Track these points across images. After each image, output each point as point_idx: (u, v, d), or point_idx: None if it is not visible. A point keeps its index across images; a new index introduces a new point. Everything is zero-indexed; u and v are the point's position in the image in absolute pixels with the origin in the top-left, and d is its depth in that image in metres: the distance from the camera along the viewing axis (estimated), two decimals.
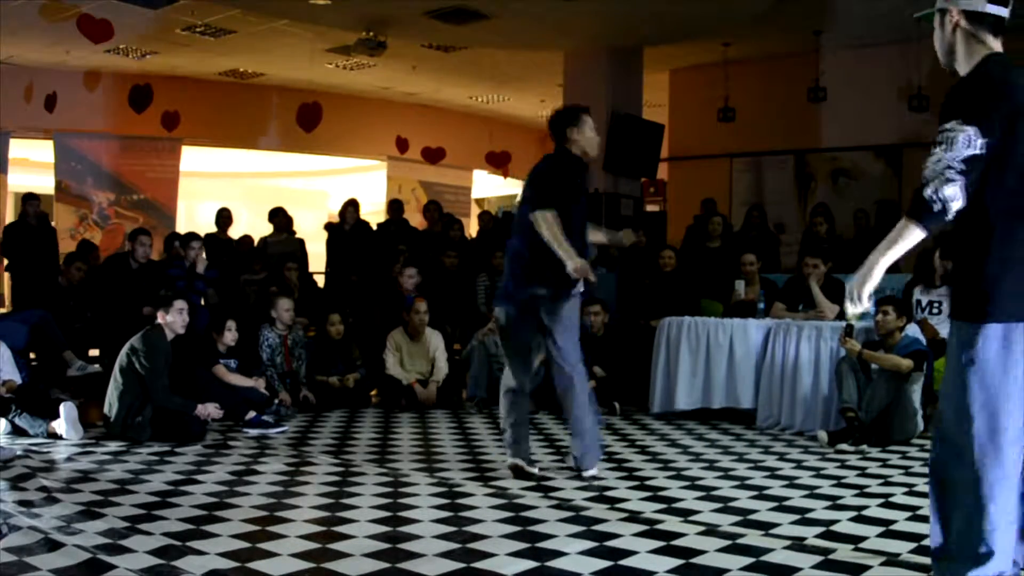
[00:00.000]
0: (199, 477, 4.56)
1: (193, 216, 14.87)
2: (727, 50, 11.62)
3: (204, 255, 8.08)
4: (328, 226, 10.56)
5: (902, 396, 5.68)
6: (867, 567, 3.20)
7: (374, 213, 13.49)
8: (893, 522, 3.82)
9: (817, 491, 4.40)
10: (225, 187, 16.05)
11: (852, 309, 2.78)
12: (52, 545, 3.31)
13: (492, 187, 18.78)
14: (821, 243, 8.42)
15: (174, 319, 5.79)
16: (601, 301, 7.44)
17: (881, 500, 4.22)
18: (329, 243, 9.94)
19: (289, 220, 9.76)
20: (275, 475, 4.62)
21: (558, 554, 3.29)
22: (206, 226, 10.68)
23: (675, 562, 3.21)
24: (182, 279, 7.65)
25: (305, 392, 6.96)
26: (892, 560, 3.28)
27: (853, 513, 3.97)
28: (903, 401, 5.68)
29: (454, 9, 9.47)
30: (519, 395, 4.75)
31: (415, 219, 10.62)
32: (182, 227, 12.11)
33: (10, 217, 11.66)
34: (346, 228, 9.84)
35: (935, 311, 6.68)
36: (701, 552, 3.33)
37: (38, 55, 11.94)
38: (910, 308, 6.61)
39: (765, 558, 3.28)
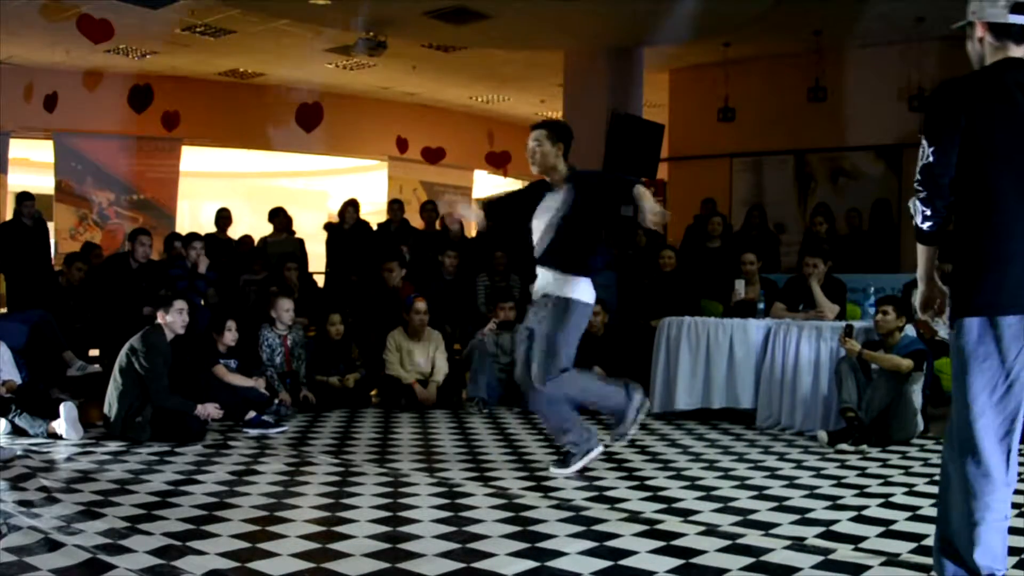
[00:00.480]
0: (199, 477, 4.56)
1: (194, 216, 14.88)
2: (727, 50, 11.63)
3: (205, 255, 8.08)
4: (328, 226, 10.56)
5: (902, 396, 5.68)
6: (867, 567, 3.20)
7: (374, 213, 13.50)
8: (893, 522, 3.82)
9: (817, 491, 4.40)
10: (225, 187, 16.05)
11: (922, 316, 2.90)
12: (52, 545, 3.31)
13: (492, 187, 18.78)
14: (821, 243, 8.42)
15: (174, 319, 5.79)
16: (601, 301, 7.43)
17: (881, 500, 4.22)
18: (329, 243, 9.95)
19: (289, 220, 9.76)
20: (275, 475, 4.62)
21: (558, 554, 3.29)
22: (206, 226, 10.68)
23: (675, 562, 3.21)
24: (183, 279, 7.65)
25: (305, 392, 6.96)
26: (892, 560, 3.28)
27: (853, 513, 3.97)
28: (903, 401, 5.68)
29: (454, 9, 9.48)
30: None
31: (416, 219, 10.61)
32: (182, 227, 12.12)
33: (10, 217, 11.66)
34: (346, 228, 9.84)
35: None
36: (701, 552, 3.33)
37: (38, 55, 11.95)
38: (910, 308, 6.61)
39: (765, 558, 3.28)
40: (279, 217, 9.71)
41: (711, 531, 3.63)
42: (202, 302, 7.74)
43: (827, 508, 4.06)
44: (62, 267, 8.43)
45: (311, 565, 3.13)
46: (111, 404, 5.63)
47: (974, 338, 2.64)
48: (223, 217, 9.85)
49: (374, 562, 3.17)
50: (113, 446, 5.37)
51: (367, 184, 16.38)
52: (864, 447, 5.50)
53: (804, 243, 9.06)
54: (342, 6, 9.45)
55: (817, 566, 3.21)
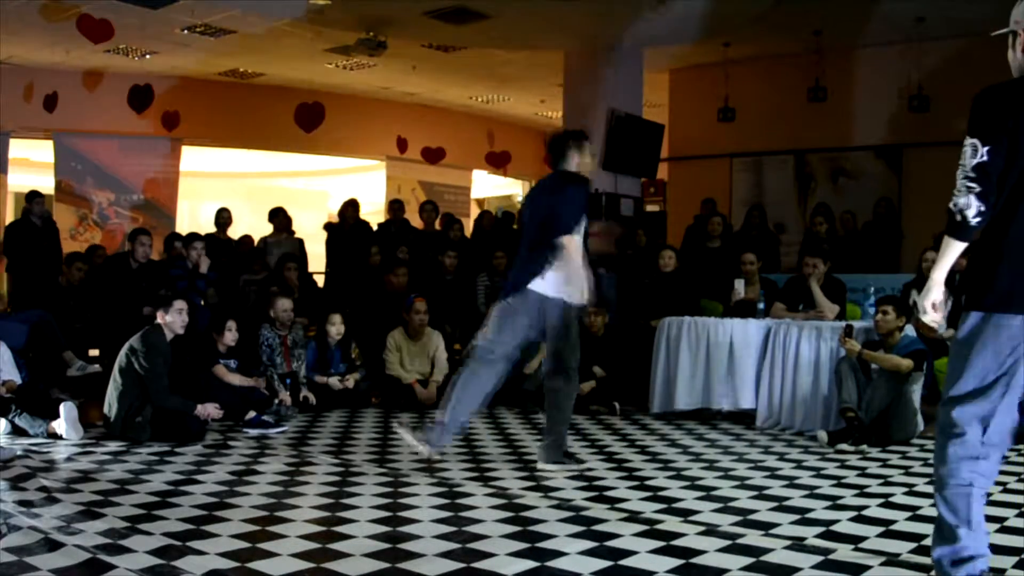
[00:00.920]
0: (199, 477, 4.56)
1: (194, 216, 14.87)
2: (727, 50, 11.62)
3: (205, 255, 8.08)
4: (328, 226, 10.56)
5: (902, 396, 5.68)
6: (867, 567, 3.20)
7: (374, 213, 13.50)
8: (893, 522, 3.82)
9: (817, 491, 4.40)
10: (225, 187, 16.04)
11: (927, 318, 2.90)
12: (52, 545, 3.31)
13: (492, 187, 18.78)
14: (821, 243, 8.42)
15: (173, 319, 5.79)
16: (600, 301, 7.44)
17: (881, 500, 4.22)
18: (329, 243, 9.95)
19: (289, 220, 9.76)
20: (275, 475, 4.62)
21: (558, 554, 3.29)
22: (206, 226, 10.67)
23: (675, 562, 3.21)
24: (183, 279, 7.65)
25: (305, 392, 6.96)
26: (892, 560, 3.28)
27: (853, 513, 3.97)
28: (903, 401, 5.68)
29: (454, 9, 9.48)
30: None
31: (416, 219, 10.62)
32: (182, 227, 12.11)
33: (10, 217, 11.65)
34: (346, 228, 9.84)
35: None
36: (701, 552, 3.33)
37: (38, 55, 11.94)
38: (910, 308, 6.61)
39: (765, 558, 3.28)
40: (279, 217, 9.71)
41: (711, 531, 3.63)
42: (202, 302, 7.75)
43: (827, 508, 4.06)
44: (62, 267, 8.42)
45: (311, 565, 3.13)
46: (111, 404, 5.63)
47: (968, 329, 2.75)
48: (223, 217, 9.84)
49: (374, 562, 3.17)
50: (113, 446, 5.37)
51: (367, 184, 16.37)
52: (864, 447, 5.50)
53: (804, 243, 9.07)
54: (342, 6, 9.45)
55: (817, 566, 3.21)
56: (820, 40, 10.98)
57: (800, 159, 12.19)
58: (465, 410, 4.82)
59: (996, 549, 3.40)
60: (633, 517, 3.84)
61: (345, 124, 14.44)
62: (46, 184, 13.16)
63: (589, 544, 3.42)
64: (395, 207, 10.45)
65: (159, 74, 12.72)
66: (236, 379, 6.37)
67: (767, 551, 3.36)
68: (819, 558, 3.29)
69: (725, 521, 3.79)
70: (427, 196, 13.60)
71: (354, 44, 10.36)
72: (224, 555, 3.23)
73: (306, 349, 7.16)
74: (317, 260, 10.16)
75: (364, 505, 3.99)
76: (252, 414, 6.08)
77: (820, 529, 3.69)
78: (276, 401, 6.56)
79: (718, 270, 8.18)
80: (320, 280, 9.83)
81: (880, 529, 3.71)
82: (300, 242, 9.67)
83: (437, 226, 9.98)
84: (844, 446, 5.53)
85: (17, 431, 5.61)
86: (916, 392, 5.77)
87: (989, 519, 3.79)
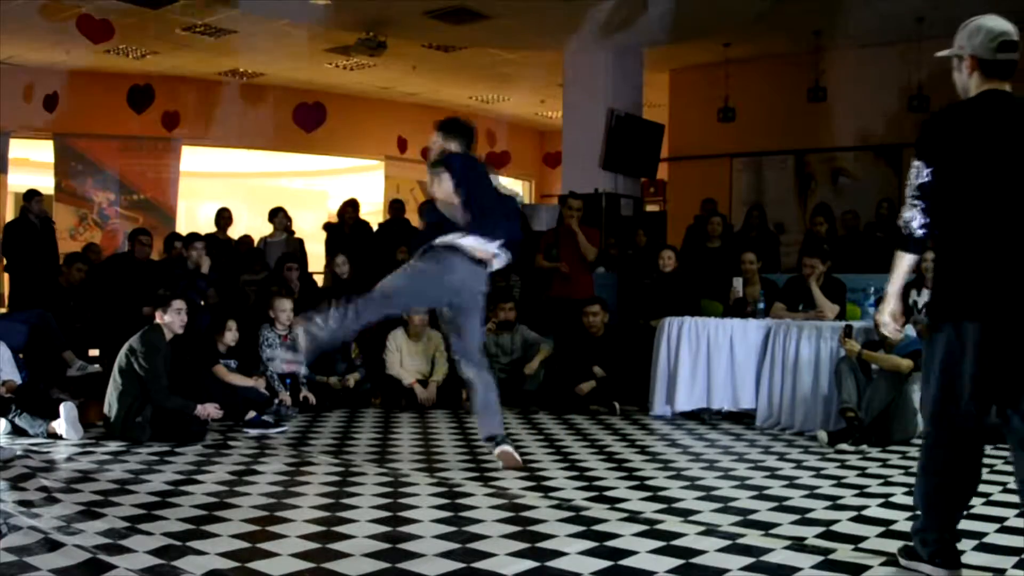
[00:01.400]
0: (199, 477, 4.55)
1: (193, 216, 14.87)
2: (727, 50, 11.63)
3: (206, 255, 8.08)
4: (327, 226, 10.56)
5: (902, 396, 5.68)
6: (867, 567, 3.20)
7: (373, 213, 13.50)
8: (893, 522, 3.82)
9: (817, 491, 4.40)
10: (225, 187, 16.05)
11: (886, 330, 3.21)
12: (52, 545, 3.31)
13: None
14: (820, 243, 8.42)
15: (172, 319, 5.78)
16: (601, 301, 7.45)
17: (881, 500, 4.22)
18: (328, 243, 9.94)
19: (289, 220, 9.76)
20: (275, 475, 4.62)
21: (558, 554, 3.29)
22: (206, 226, 10.67)
23: (675, 562, 3.21)
24: (184, 279, 7.65)
25: (305, 392, 6.96)
26: (892, 560, 3.27)
27: (853, 513, 3.97)
28: (903, 401, 5.68)
29: (454, 9, 9.48)
30: None
31: (415, 219, 10.62)
32: (182, 227, 12.12)
33: (10, 217, 11.65)
34: (345, 229, 9.83)
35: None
36: (701, 552, 3.33)
37: (38, 55, 11.95)
38: (909, 308, 6.61)
39: (765, 558, 3.28)
40: (279, 217, 9.71)
41: (711, 531, 3.63)
42: (202, 302, 7.75)
43: (827, 508, 4.06)
44: (62, 267, 8.43)
45: (311, 565, 3.13)
46: (111, 404, 5.63)
47: (946, 338, 2.97)
48: (223, 217, 9.84)
49: (374, 562, 3.17)
50: (113, 446, 5.36)
51: (366, 184, 16.37)
52: (864, 447, 5.50)
53: (804, 243, 9.06)
54: (342, 6, 9.46)
55: (817, 566, 3.21)
56: (820, 40, 10.99)
57: (800, 159, 12.19)
58: (332, 329, 4.66)
59: (996, 549, 3.41)
60: (633, 517, 3.84)
61: (345, 124, 14.45)
62: (46, 184, 13.17)
63: (589, 544, 3.42)
64: (395, 207, 10.45)
65: (159, 74, 12.72)
66: (236, 379, 6.37)
67: (767, 551, 3.36)
68: (819, 558, 3.29)
69: (725, 521, 3.79)
70: (425, 196, 13.58)
71: (354, 44, 10.36)
72: (224, 555, 3.23)
73: None
74: (317, 260, 10.16)
75: (364, 505, 3.99)
76: (252, 414, 6.08)
77: (820, 529, 3.69)
78: (276, 401, 6.55)
79: (718, 270, 8.17)
80: (320, 280, 9.82)
81: (880, 529, 3.71)
82: (300, 242, 9.67)
83: None
84: (844, 446, 5.53)
85: (17, 431, 5.61)
86: (916, 392, 5.75)
87: (989, 519, 3.80)
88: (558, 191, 12.07)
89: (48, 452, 5.17)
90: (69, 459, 4.98)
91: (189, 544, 3.35)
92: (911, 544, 3.18)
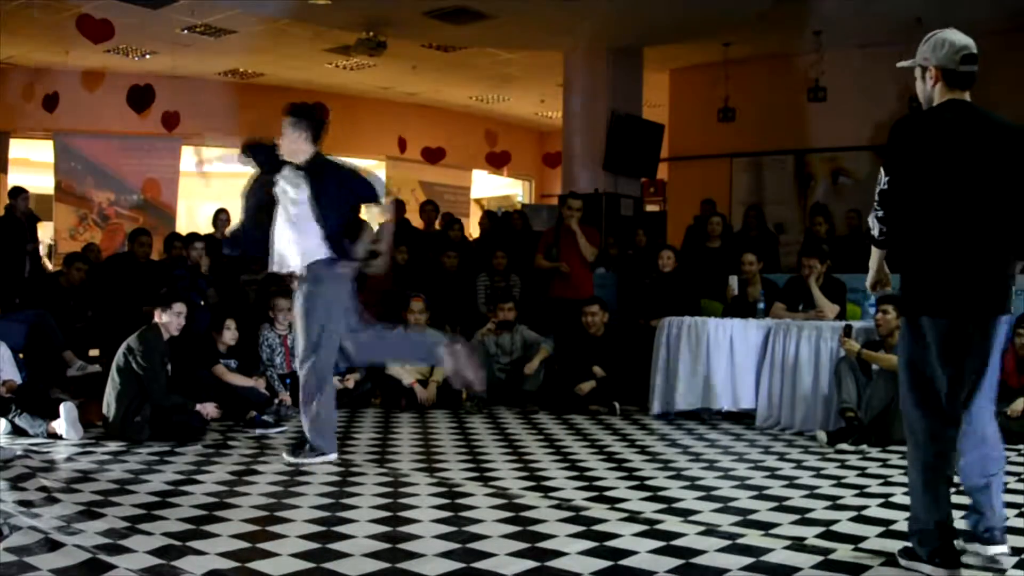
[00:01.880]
0: (199, 477, 4.56)
1: (193, 216, 14.86)
2: (727, 50, 11.62)
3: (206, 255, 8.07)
4: None
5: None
6: (867, 567, 3.21)
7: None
8: (893, 522, 3.82)
9: (817, 491, 4.40)
10: (225, 187, 16.03)
11: (872, 292, 3.52)
12: (52, 545, 3.31)
13: (492, 187, 18.78)
14: (819, 243, 8.41)
15: (170, 320, 5.77)
16: (601, 301, 7.45)
17: (881, 500, 4.22)
18: None
19: None
20: (275, 475, 4.62)
21: (558, 554, 3.29)
22: (206, 226, 10.66)
23: (675, 562, 3.21)
24: (184, 279, 7.65)
25: None
26: (892, 560, 3.27)
27: (853, 513, 3.97)
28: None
29: (454, 9, 9.48)
30: None
31: (416, 219, 10.62)
32: (182, 227, 12.11)
33: None
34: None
35: None
36: (701, 552, 3.33)
37: (38, 55, 11.95)
38: None
39: (765, 558, 3.28)
40: None
41: (711, 531, 3.63)
42: (202, 302, 7.75)
43: (827, 508, 4.06)
44: (61, 267, 8.43)
45: (311, 565, 3.14)
46: (109, 404, 5.63)
47: (916, 332, 3.17)
48: (221, 218, 9.83)
49: (374, 562, 3.17)
50: (113, 446, 5.36)
51: None
52: (864, 447, 5.50)
53: (805, 243, 9.05)
54: (342, 6, 9.45)
55: (817, 566, 3.21)
56: (820, 40, 10.98)
57: (800, 159, 12.19)
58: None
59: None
60: (633, 517, 3.84)
61: (345, 124, 14.44)
62: (46, 184, 13.18)
63: (589, 544, 3.42)
64: (396, 207, 10.44)
65: (159, 74, 12.72)
66: (236, 379, 6.36)
67: (767, 551, 3.36)
68: (819, 558, 3.29)
69: (725, 521, 3.79)
70: (427, 196, 13.60)
71: (354, 44, 10.36)
72: (224, 555, 3.23)
73: None
74: None
75: (364, 505, 3.99)
76: (252, 414, 6.08)
77: (820, 529, 3.69)
78: (276, 401, 6.55)
79: (718, 270, 8.18)
80: None
81: (880, 529, 3.71)
82: None
83: (437, 226, 9.98)
84: (844, 446, 5.53)
85: (17, 431, 5.61)
86: None
87: None
88: (558, 191, 12.08)
89: (48, 452, 5.17)
90: (69, 459, 4.98)
91: (189, 544, 3.36)
92: (910, 545, 3.20)
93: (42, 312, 7.12)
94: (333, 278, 4.92)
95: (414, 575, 3.06)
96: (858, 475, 4.80)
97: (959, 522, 3.26)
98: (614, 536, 3.53)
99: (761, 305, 6.98)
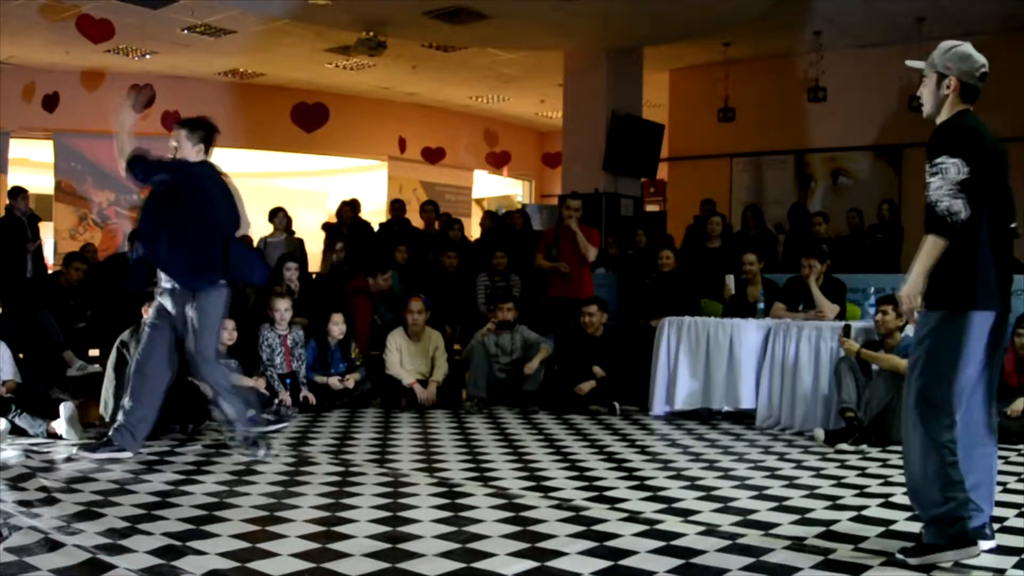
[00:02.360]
0: (199, 477, 4.56)
1: None
2: (727, 50, 11.63)
3: None
4: (326, 226, 10.56)
5: (901, 396, 5.65)
6: (867, 567, 3.21)
7: (374, 213, 13.49)
8: (893, 522, 3.83)
9: (817, 491, 4.41)
10: None
11: (904, 306, 3.34)
12: (52, 545, 3.30)
13: (492, 187, 18.78)
14: (819, 243, 8.42)
15: None
16: (599, 301, 7.45)
17: (881, 500, 4.22)
18: (327, 243, 9.94)
19: (289, 220, 9.76)
20: (275, 475, 4.62)
21: (558, 554, 3.29)
22: None
23: (675, 562, 3.21)
24: None
25: (305, 392, 6.96)
26: (892, 560, 3.28)
27: (853, 513, 3.97)
28: (902, 401, 5.65)
29: (454, 9, 9.48)
30: None
31: (417, 219, 10.63)
32: None
33: None
34: (344, 229, 9.83)
35: None
36: (701, 552, 3.33)
37: (38, 55, 11.95)
38: None
39: (765, 558, 3.28)
40: (279, 217, 9.71)
41: (711, 531, 3.63)
42: None
43: (827, 508, 4.06)
44: (61, 267, 8.43)
45: (311, 565, 3.13)
46: (106, 402, 5.64)
47: (974, 326, 3.21)
48: None
49: (374, 562, 3.17)
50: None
51: (367, 184, 16.36)
52: (864, 447, 5.50)
53: (804, 244, 9.05)
54: (342, 6, 9.45)
55: (817, 566, 3.21)
56: (820, 40, 10.99)
57: (800, 159, 12.19)
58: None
59: (996, 549, 3.40)
60: (633, 517, 3.84)
61: (345, 124, 14.45)
62: (46, 184, 13.17)
63: (589, 544, 3.42)
64: (396, 207, 10.45)
65: (159, 74, 12.72)
66: (236, 379, 6.35)
67: (767, 551, 3.36)
68: (819, 558, 3.29)
69: (725, 521, 3.79)
70: (428, 196, 13.61)
71: (354, 44, 10.36)
72: (224, 555, 3.23)
73: (306, 349, 7.17)
74: (317, 260, 10.16)
75: (364, 505, 3.99)
76: (251, 412, 6.06)
77: (820, 529, 3.69)
78: (276, 401, 6.55)
79: (718, 270, 8.18)
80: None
81: (880, 529, 3.71)
82: (300, 242, 9.67)
83: (437, 226, 9.98)
84: (844, 446, 5.53)
85: (17, 431, 5.61)
86: None
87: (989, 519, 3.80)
88: (558, 191, 12.09)
89: (48, 452, 5.16)
90: (69, 459, 4.98)
91: (189, 544, 3.35)
92: (908, 545, 3.22)
93: (42, 312, 7.12)
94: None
95: (414, 575, 3.06)
96: (858, 475, 4.80)
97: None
98: (614, 536, 3.53)
99: (761, 305, 6.99)
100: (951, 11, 9.44)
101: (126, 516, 3.74)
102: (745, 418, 6.60)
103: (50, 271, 9.92)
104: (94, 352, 7.76)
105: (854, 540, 3.54)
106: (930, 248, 3.21)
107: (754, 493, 4.33)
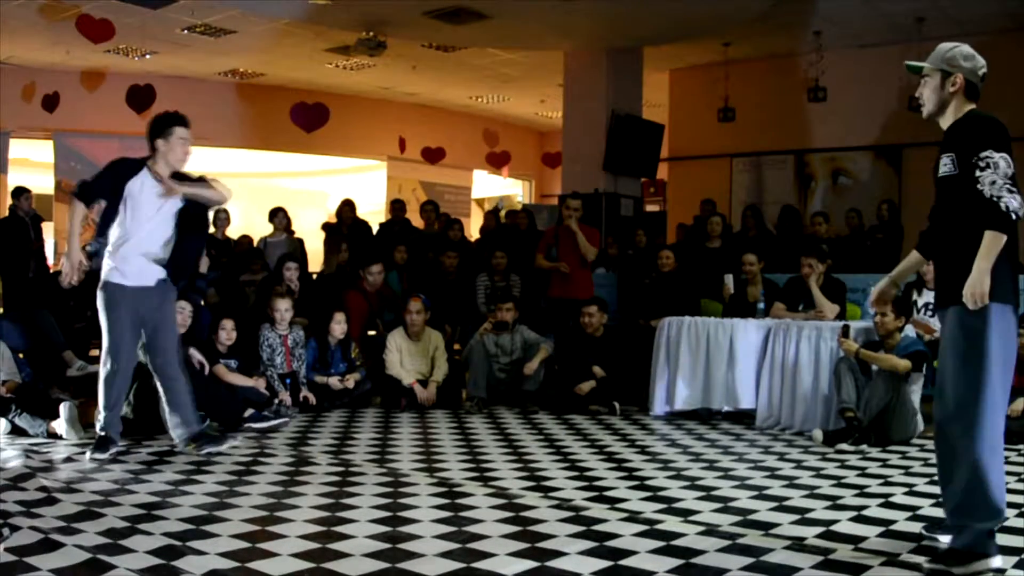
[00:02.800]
0: (199, 477, 4.56)
1: None
2: (727, 50, 11.64)
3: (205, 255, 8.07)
4: (326, 226, 10.56)
5: (901, 396, 5.67)
6: (867, 567, 3.20)
7: (374, 213, 13.50)
8: (893, 522, 3.82)
9: (817, 491, 4.41)
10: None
11: (970, 304, 3.19)
12: (52, 545, 3.31)
13: (492, 187, 18.79)
14: (819, 243, 8.42)
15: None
16: (599, 301, 7.45)
17: (881, 500, 4.22)
18: (327, 243, 9.94)
19: (289, 220, 9.77)
20: (275, 475, 4.62)
21: (558, 554, 3.29)
22: None
23: (675, 562, 3.21)
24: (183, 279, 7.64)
25: (305, 392, 6.96)
26: (892, 560, 3.28)
27: (853, 513, 3.97)
28: (901, 401, 5.67)
29: (454, 9, 9.48)
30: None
31: (416, 219, 10.63)
32: None
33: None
34: (343, 229, 9.83)
35: (930, 312, 6.69)
36: (701, 552, 3.33)
37: (38, 55, 11.95)
38: (909, 309, 6.62)
39: (765, 558, 3.28)
40: (279, 217, 9.72)
41: (711, 531, 3.63)
42: (202, 302, 7.74)
43: (827, 508, 4.06)
44: (61, 267, 8.42)
45: (311, 565, 3.13)
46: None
47: (1009, 321, 3.22)
48: (220, 218, 9.84)
49: (374, 562, 3.17)
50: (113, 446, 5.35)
51: (367, 184, 16.37)
52: (864, 447, 5.50)
53: (803, 244, 9.05)
54: (342, 6, 9.46)
55: (817, 566, 3.21)
56: (820, 40, 11.00)
57: (800, 159, 12.20)
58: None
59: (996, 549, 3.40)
60: (633, 517, 3.84)
61: (345, 124, 14.46)
62: (46, 184, 13.17)
63: (589, 544, 3.42)
64: (396, 207, 10.46)
65: (159, 74, 12.73)
66: (236, 379, 6.37)
67: (767, 551, 3.36)
68: (819, 558, 3.29)
69: (725, 521, 3.79)
70: (428, 196, 13.61)
71: (354, 44, 10.36)
72: (224, 555, 3.23)
73: (306, 349, 7.17)
74: (317, 260, 10.16)
75: (364, 505, 3.99)
76: (250, 411, 6.07)
77: (820, 529, 3.69)
78: (276, 401, 6.56)
79: (718, 270, 8.18)
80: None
81: (880, 529, 3.71)
82: (300, 242, 9.67)
83: (437, 226, 9.98)
84: (844, 446, 5.53)
85: (17, 431, 5.61)
86: (916, 392, 5.77)
87: None
88: (558, 191, 12.09)
89: (48, 452, 5.17)
90: (69, 459, 4.98)
91: (189, 544, 3.35)
92: (961, 550, 3.19)
93: (42, 312, 7.11)
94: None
95: (414, 575, 3.06)
96: (858, 475, 4.79)
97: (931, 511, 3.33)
98: (614, 536, 3.53)
99: (761, 305, 6.99)
100: (951, 11, 9.45)
101: (126, 516, 3.74)
102: (745, 418, 6.60)
103: (52, 271, 9.92)
104: (94, 352, 7.76)
105: (854, 540, 3.54)
106: (992, 244, 3.14)
107: (754, 493, 4.33)
